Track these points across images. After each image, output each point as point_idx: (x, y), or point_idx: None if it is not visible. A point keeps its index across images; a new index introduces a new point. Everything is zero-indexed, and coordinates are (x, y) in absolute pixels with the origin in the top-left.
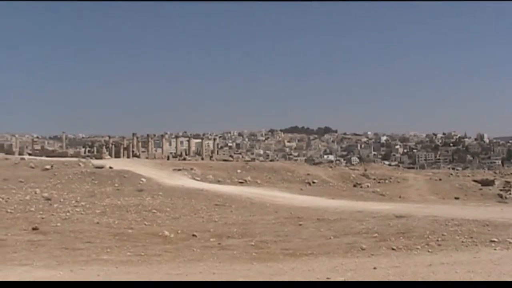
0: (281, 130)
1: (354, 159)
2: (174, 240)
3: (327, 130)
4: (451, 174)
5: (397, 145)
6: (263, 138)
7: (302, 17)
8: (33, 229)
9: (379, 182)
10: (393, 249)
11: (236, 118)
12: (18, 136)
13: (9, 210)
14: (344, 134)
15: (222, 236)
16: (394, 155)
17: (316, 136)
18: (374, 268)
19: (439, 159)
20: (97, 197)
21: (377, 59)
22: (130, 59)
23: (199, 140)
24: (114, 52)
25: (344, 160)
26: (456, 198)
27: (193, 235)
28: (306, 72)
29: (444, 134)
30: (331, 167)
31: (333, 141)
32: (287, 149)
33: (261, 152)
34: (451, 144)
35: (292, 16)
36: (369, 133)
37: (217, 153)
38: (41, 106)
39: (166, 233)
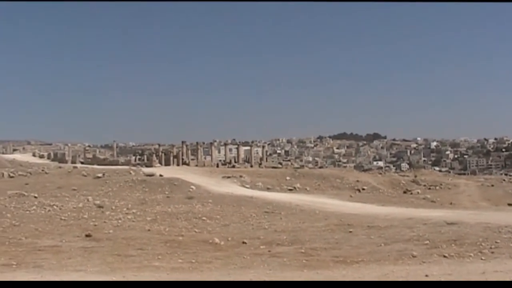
0: (329, 137)
1: (404, 165)
2: (224, 247)
3: (376, 136)
4: (504, 180)
5: (447, 150)
6: (312, 145)
7: (351, 24)
8: (86, 235)
9: (429, 189)
10: (444, 256)
11: (284, 125)
12: (71, 145)
13: (63, 217)
14: (393, 140)
15: (272, 243)
16: (444, 161)
17: (365, 142)
18: (426, 275)
19: (491, 164)
20: (148, 205)
21: (426, 65)
22: (178, 70)
23: (248, 148)
24: (162, 63)
25: (393, 166)
26: (509, 205)
27: (243, 242)
28: (355, 78)
29: (496, 139)
30: (380, 173)
31: (382, 147)
32: (336, 156)
33: (310, 159)
34: (503, 150)
35: (342, 22)
36: (418, 138)
37: (266, 160)
38: (92, 116)
39: (216, 240)
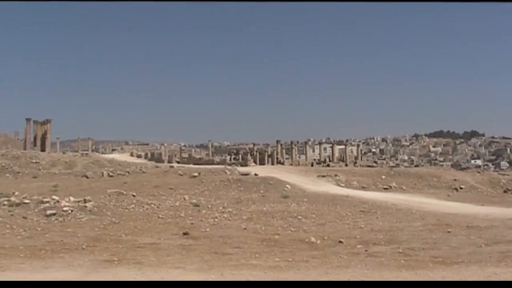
0: (425, 135)
1: (504, 163)
2: (321, 246)
3: (474, 134)
4: None
5: None
6: (407, 143)
7: (446, 22)
8: (184, 234)
9: None
10: None
11: (379, 124)
12: (167, 145)
13: (160, 216)
14: (492, 137)
15: (369, 242)
16: None
17: (462, 140)
18: None
19: None
20: (243, 204)
21: None
22: (272, 69)
23: (343, 146)
24: (256, 63)
25: (492, 165)
26: None
27: (340, 242)
28: (450, 75)
29: None
30: (479, 172)
31: (480, 145)
32: (432, 154)
33: (406, 157)
34: None
35: (436, 19)
36: None
37: (361, 159)
38: (188, 117)
39: (313, 239)
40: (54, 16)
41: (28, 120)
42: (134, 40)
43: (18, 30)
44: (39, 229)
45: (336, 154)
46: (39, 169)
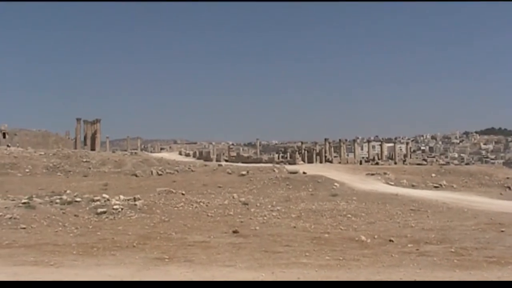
0: (476, 132)
1: None
2: (371, 245)
3: None
4: None
5: None
6: (458, 141)
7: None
8: (234, 232)
9: None
10: None
11: (429, 121)
12: (215, 144)
13: (209, 214)
14: None
15: (420, 242)
16: None
17: None
18: None
19: None
20: (292, 202)
21: None
22: (317, 68)
23: (391, 144)
24: (303, 63)
25: None
26: None
27: (390, 241)
28: (501, 71)
29: None
30: None
31: None
32: (483, 152)
33: (456, 155)
34: None
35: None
36: None
37: (410, 157)
38: (236, 115)
39: (363, 238)
40: (106, 17)
41: (78, 120)
42: (186, 40)
43: (70, 32)
44: (90, 227)
45: (385, 152)
46: (89, 168)
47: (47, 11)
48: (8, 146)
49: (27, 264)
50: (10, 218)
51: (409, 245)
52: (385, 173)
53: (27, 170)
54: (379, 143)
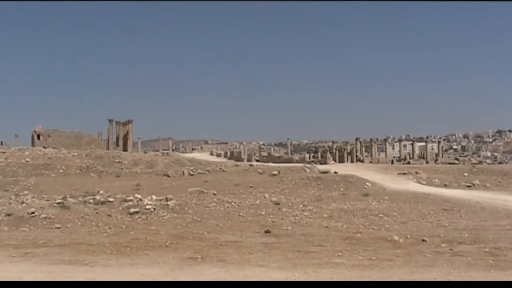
0: (509, 131)
1: None
2: (404, 245)
3: None
4: None
5: None
6: (490, 140)
7: None
8: (266, 232)
9: None
10: None
11: (461, 120)
12: (246, 144)
13: (241, 214)
14: None
15: (453, 241)
16: None
17: None
18: None
19: None
20: (323, 202)
21: None
22: (350, 67)
23: (423, 143)
24: (332, 62)
25: None
26: None
27: (423, 240)
28: None
29: None
30: None
31: None
32: None
33: (488, 154)
34: None
35: None
36: None
37: (442, 156)
38: (267, 115)
39: (395, 237)
40: (138, 19)
41: (110, 121)
42: (218, 41)
43: (102, 35)
44: (123, 226)
45: (417, 151)
46: (122, 169)
47: (83, 12)
48: (44, 147)
49: (62, 263)
50: (45, 217)
51: (442, 245)
52: (416, 173)
53: (61, 171)
54: (411, 142)
